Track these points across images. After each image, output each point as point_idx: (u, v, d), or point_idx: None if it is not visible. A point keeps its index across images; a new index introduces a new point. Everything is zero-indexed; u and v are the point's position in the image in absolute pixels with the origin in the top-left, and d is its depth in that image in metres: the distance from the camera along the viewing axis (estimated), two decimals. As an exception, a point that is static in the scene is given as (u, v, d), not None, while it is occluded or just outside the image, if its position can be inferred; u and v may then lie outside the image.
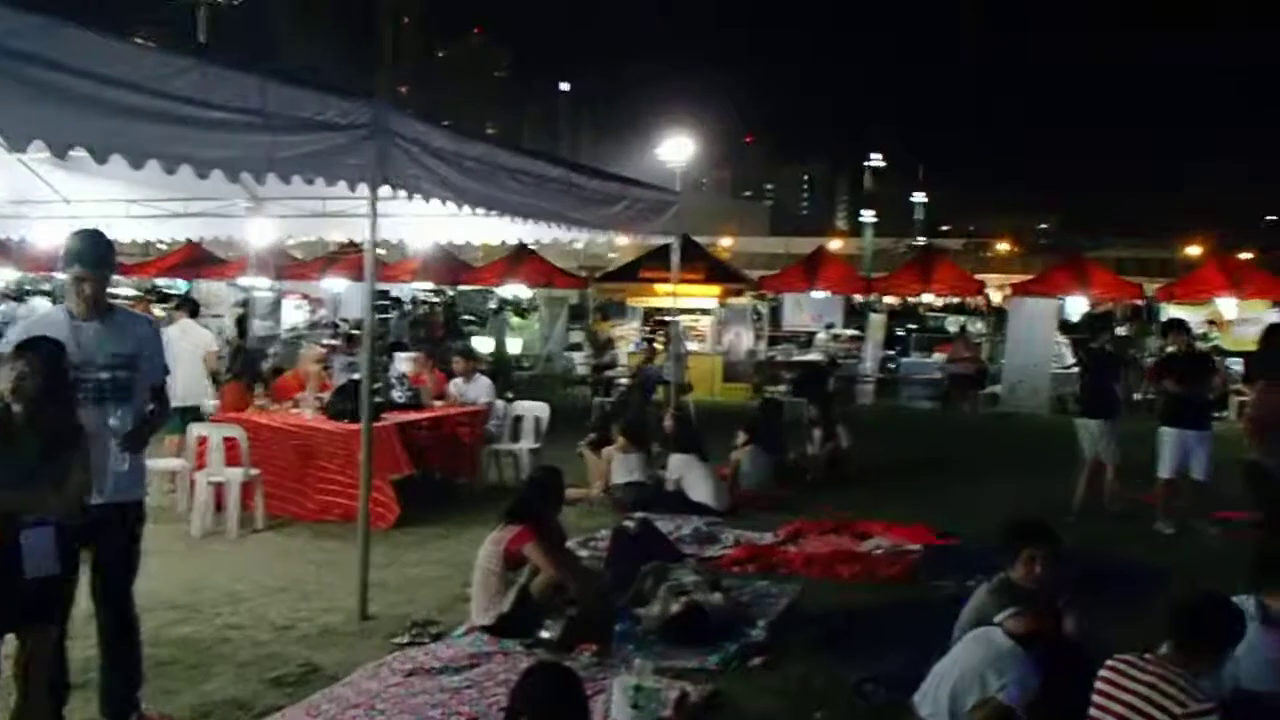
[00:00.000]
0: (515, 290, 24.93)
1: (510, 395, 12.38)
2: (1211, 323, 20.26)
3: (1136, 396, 15.01)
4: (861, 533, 8.46)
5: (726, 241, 54.05)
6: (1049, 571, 4.83)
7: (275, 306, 22.35)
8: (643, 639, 5.89)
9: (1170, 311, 18.15)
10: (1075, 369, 14.63)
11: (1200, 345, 15.04)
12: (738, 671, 5.52)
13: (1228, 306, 19.81)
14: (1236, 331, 18.81)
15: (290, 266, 23.79)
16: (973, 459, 12.85)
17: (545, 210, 7.95)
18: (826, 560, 7.71)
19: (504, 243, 11.89)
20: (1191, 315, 20.47)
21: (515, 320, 25.65)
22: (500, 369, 18.24)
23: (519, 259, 22.96)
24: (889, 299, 27.28)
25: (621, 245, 27.19)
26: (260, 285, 21.81)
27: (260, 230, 10.52)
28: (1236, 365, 13.43)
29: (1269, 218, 57.77)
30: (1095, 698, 3.79)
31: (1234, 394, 14.80)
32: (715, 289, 20.65)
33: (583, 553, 7.38)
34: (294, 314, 23.17)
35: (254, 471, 8.39)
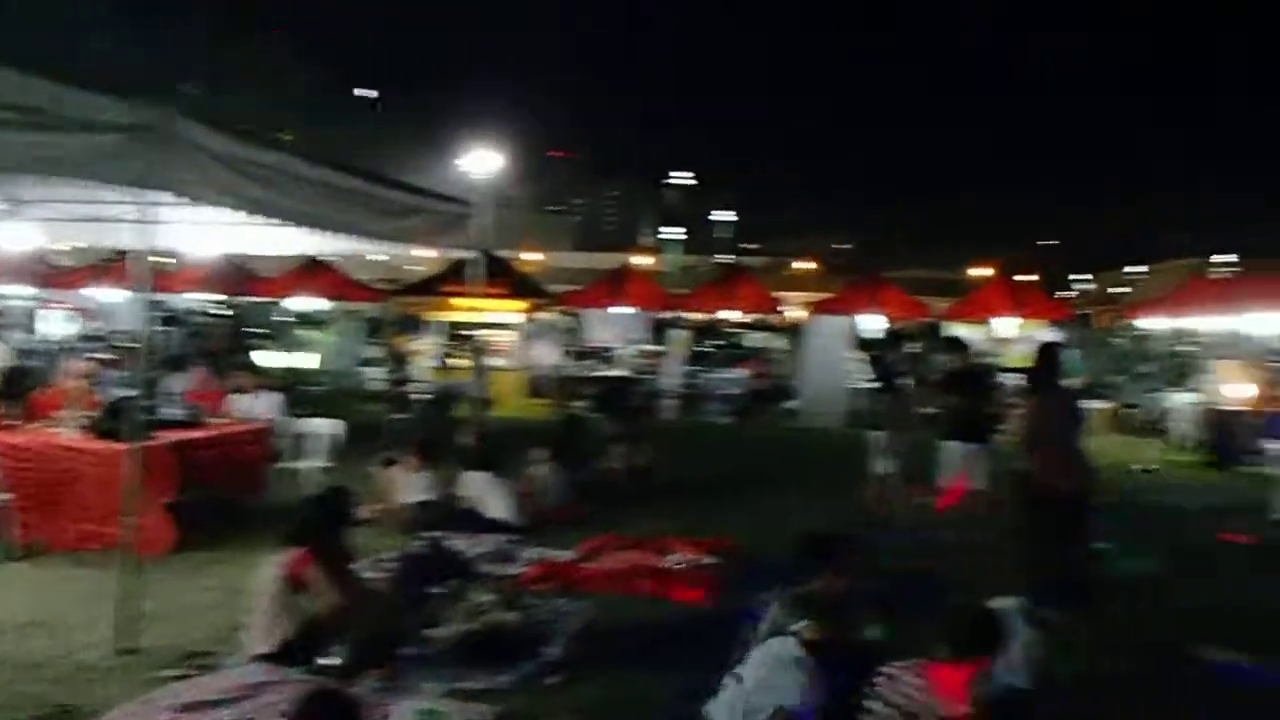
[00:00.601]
0: (309, 303, 24.19)
1: (301, 412, 11.98)
2: (994, 340, 21.57)
3: (923, 411, 15.78)
4: (661, 548, 8.57)
5: (535, 256, 54.07)
6: (845, 582, 5.00)
7: (30, 317, 20.91)
8: (434, 661, 5.79)
9: (956, 330, 19.20)
10: (872, 384, 15.26)
11: (983, 361, 15.98)
12: (532, 691, 5.49)
13: (1009, 325, 21.17)
14: (1016, 349, 20.09)
15: (54, 274, 22.35)
16: (772, 473, 13.23)
17: (339, 221, 7.71)
18: (626, 576, 7.78)
19: (305, 254, 11.52)
20: (976, 333, 21.78)
21: (309, 334, 24.87)
22: (291, 384, 17.63)
23: (313, 271, 22.28)
24: (694, 315, 27.86)
25: (426, 259, 26.77)
26: (17, 294, 20.39)
27: (17, 235, 9.81)
28: (1017, 381, 14.30)
29: (1045, 242, 62.20)
30: (868, 703, 3.94)
31: (1012, 408, 15.76)
32: (521, 304, 20.64)
33: (372, 574, 7.19)
34: (61, 326, 21.74)
35: (4, 496, 7.80)
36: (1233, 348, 17.18)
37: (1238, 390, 15.45)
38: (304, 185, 7.01)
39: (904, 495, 9.96)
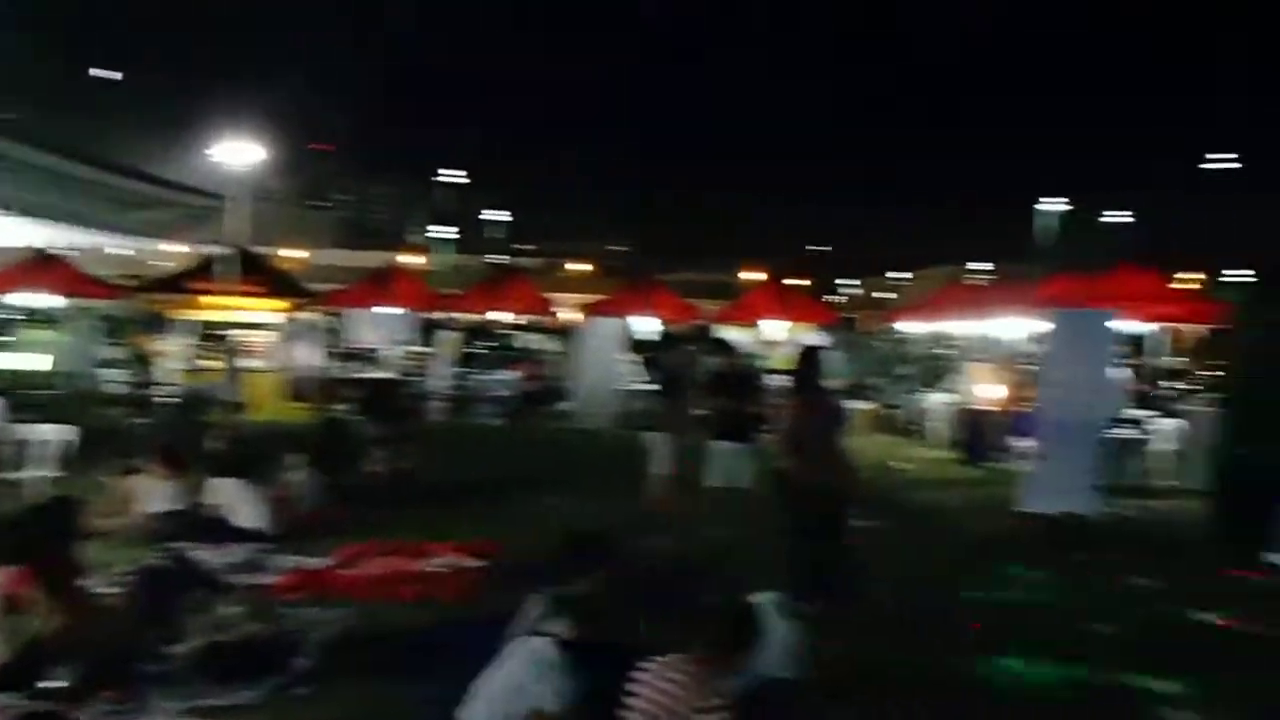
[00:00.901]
0: (36, 300, 22.52)
1: (25, 418, 11.17)
2: (763, 342, 22.40)
3: (697, 412, 16.20)
4: (423, 552, 8.47)
5: (297, 253, 52.30)
6: (607, 581, 5.06)
7: None
8: (174, 679, 5.53)
9: (725, 332, 19.84)
10: (645, 387, 15.56)
11: (752, 364, 16.55)
12: (280, 704, 5.33)
13: (777, 328, 22.04)
14: (784, 351, 20.92)
15: None
16: (543, 475, 13.27)
17: (65, 211, 7.23)
18: (386, 582, 7.66)
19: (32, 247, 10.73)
20: (745, 336, 22.52)
21: (38, 334, 23.16)
22: (13, 388, 16.38)
23: (41, 265, 20.82)
24: (464, 316, 27.64)
25: (176, 254, 25.42)
26: None
27: None
28: (783, 382, 14.90)
29: (816, 247, 65.17)
30: (627, 699, 4.02)
31: (778, 410, 16.41)
32: (279, 303, 19.95)
33: (107, 590, 6.78)
34: None
35: None
36: (984, 351, 18.44)
37: (988, 391, 16.58)
38: (25, 171, 6.55)
39: (676, 495, 10.16)
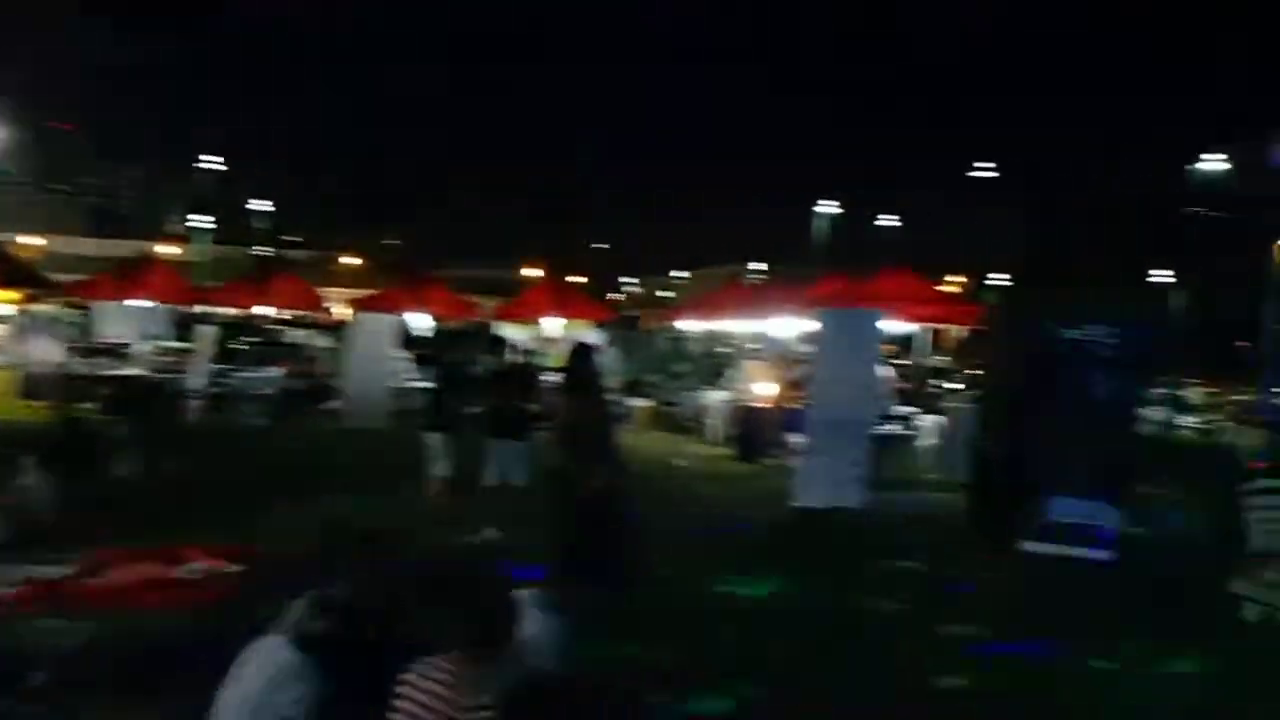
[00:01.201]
0: None
1: None
2: (542, 340, 22.50)
3: (473, 410, 16.13)
4: (175, 558, 8.11)
5: (36, 240, 48.97)
6: (371, 580, 4.97)
7: None
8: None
9: (503, 330, 19.83)
10: (420, 384, 15.35)
11: (530, 361, 16.62)
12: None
13: (556, 325, 22.18)
14: (562, 349, 21.07)
15: None
16: (309, 475, 12.90)
17: None
18: (134, 590, 7.30)
19: None
20: (524, 333, 22.57)
21: None
22: None
23: None
24: (225, 310, 26.59)
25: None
26: None
27: None
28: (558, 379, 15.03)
29: (598, 245, 65.87)
30: (393, 702, 3.98)
31: (554, 407, 16.55)
32: (12, 294, 18.68)
33: None
34: None
35: None
36: (760, 349, 19.09)
37: (763, 389, 17.18)
38: None
39: (451, 494, 10.11)
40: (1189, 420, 31.21)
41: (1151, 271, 46.61)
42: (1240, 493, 7.97)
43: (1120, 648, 7.03)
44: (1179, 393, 32.55)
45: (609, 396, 8.66)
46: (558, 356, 18.28)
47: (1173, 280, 46.05)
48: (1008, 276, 46.45)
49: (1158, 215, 44.16)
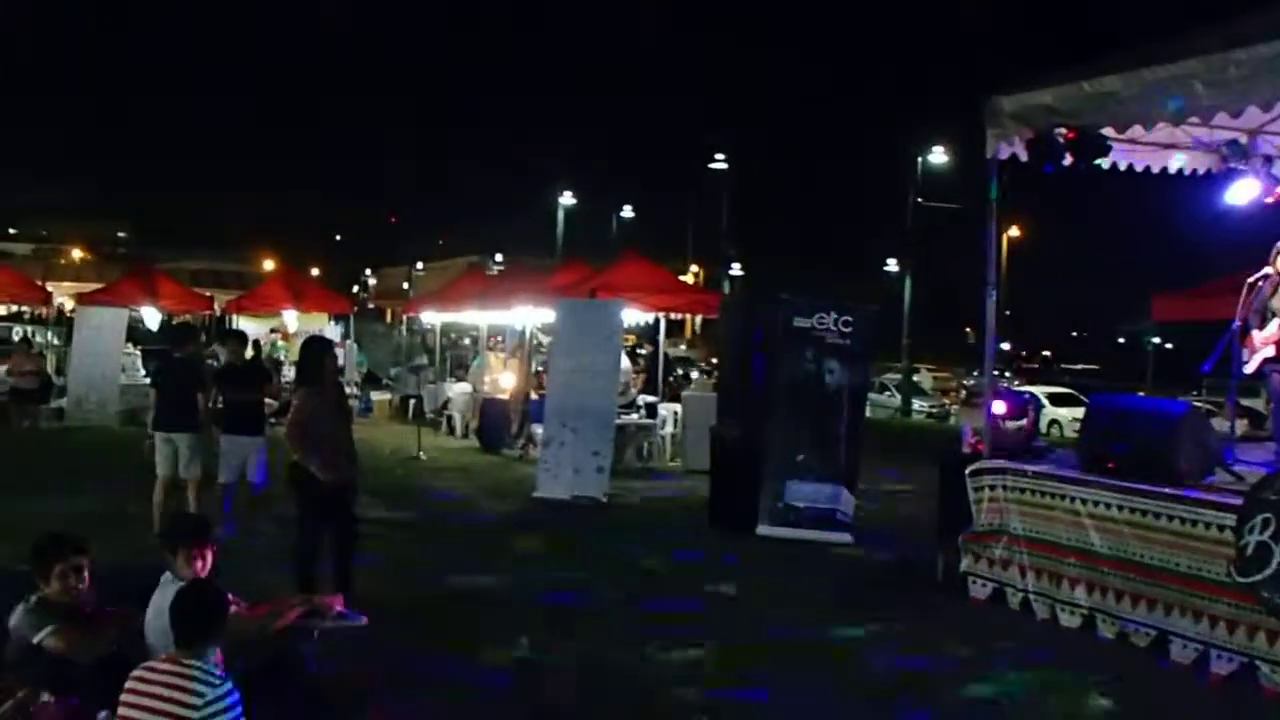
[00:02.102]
0: None
1: None
2: (279, 333, 21.29)
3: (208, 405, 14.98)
4: None
5: None
6: (81, 583, 4.54)
7: None
8: None
9: (240, 323, 18.63)
10: (148, 380, 14.11)
11: (266, 354, 15.56)
12: None
13: (294, 318, 20.99)
14: (299, 342, 19.98)
15: None
16: (31, 477, 11.59)
17: None
18: None
19: None
20: (262, 326, 21.33)
21: None
22: None
23: None
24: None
25: None
26: None
27: None
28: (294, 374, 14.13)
29: (340, 237, 63.55)
30: (120, 708, 3.74)
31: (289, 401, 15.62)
32: None
33: None
34: None
35: None
36: (502, 340, 18.66)
37: (505, 380, 16.74)
38: None
39: (198, 499, 9.23)
40: (919, 404, 32.96)
41: (884, 261, 49.10)
42: (966, 473, 8.08)
43: (853, 626, 6.99)
44: (912, 378, 34.33)
45: (345, 390, 8.20)
46: (295, 349, 17.30)
47: (903, 269, 48.73)
48: (740, 267, 47.90)
49: (889, 206, 46.36)
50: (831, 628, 7.01)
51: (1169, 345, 33.63)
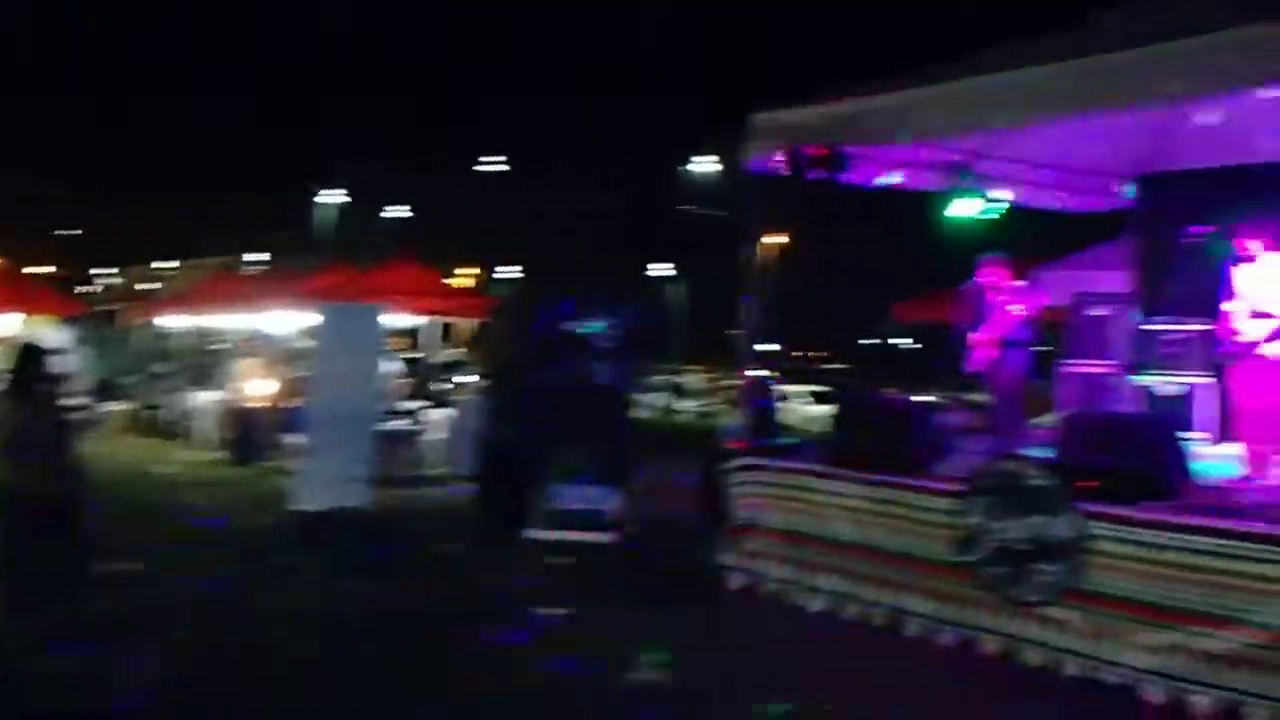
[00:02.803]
0: None
1: None
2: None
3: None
4: None
5: None
6: None
7: None
8: None
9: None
10: None
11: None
12: None
13: (14, 322, 19.96)
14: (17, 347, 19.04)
15: None
16: None
17: None
18: None
19: None
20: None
21: None
22: None
23: None
24: None
25: None
26: None
27: None
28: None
29: (67, 232, 59.86)
30: None
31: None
32: None
33: None
34: None
35: None
36: (255, 345, 18.35)
37: (259, 387, 16.52)
38: None
39: None
40: (689, 405, 34.09)
41: (651, 265, 50.36)
42: (723, 470, 8.75)
43: (614, 622, 7.50)
44: (679, 379, 35.48)
45: (68, 400, 8.07)
46: (12, 356, 16.55)
47: (671, 273, 50.08)
48: (517, 269, 48.04)
49: (656, 211, 47.63)
50: (593, 626, 7.48)
51: (917, 345, 36.30)
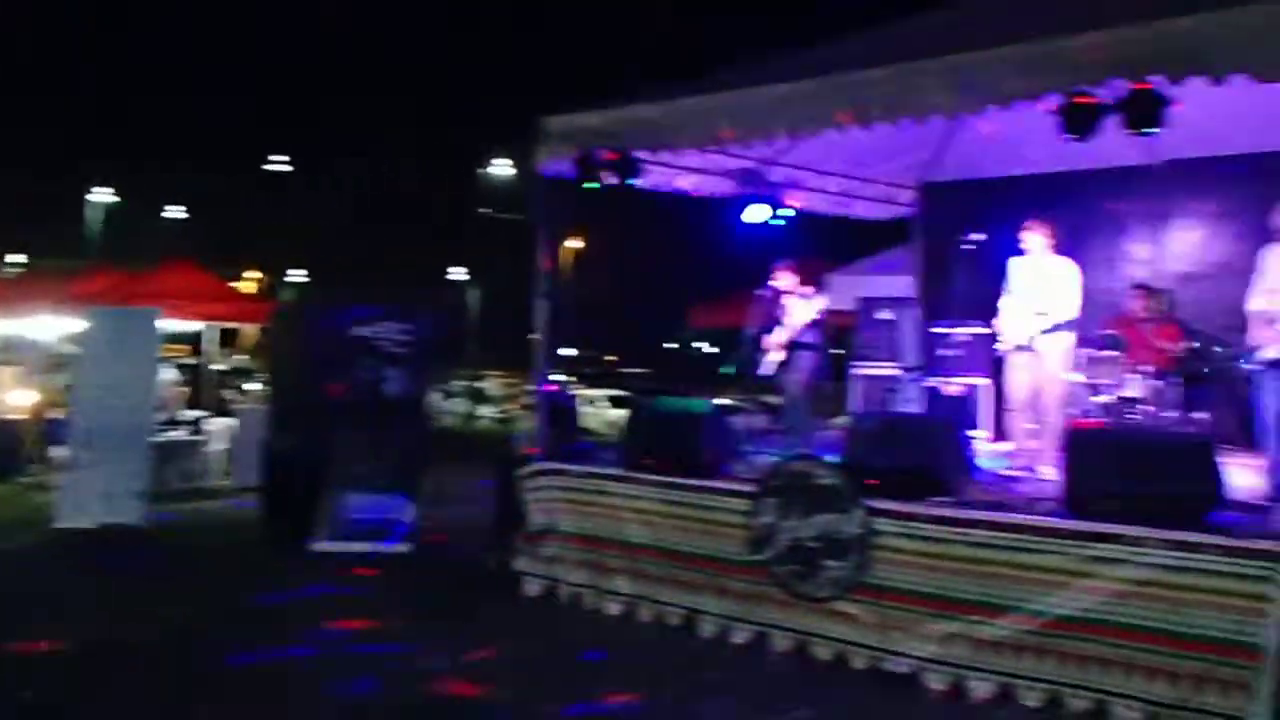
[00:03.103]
0: None
1: None
2: None
3: None
4: None
5: None
6: None
7: None
8: None
9: None
10: None
11: None
12: None
13: None
14: None
15: None
16: None
17: None
18: None
19: None
20: None
21: None
22: None
23: None
24: None
25: None
26: None
27: None
28: None
29: None
30: None
31: None
32: None
33: None
34: None
35: None
36: (14, 352, 17.34)
37: (18, 397, 15.61)
38: None
39: None
40: (488, 411, 33.85)
41: (451, 269, 49.86)
42: (519, 476, 8.73)
43: (407, 633, 7.37)
44: (479, 385, 35.20)
45: None
46: None
47: (468, 278, 49.66)
48: (305, 273, 46.83)
49: (454, 216, 47.22)
50: (384, 638, 7.33)
51: (714, 350, 37.16)
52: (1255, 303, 7.32)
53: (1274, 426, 6.69)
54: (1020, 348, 8.44)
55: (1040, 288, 8.39)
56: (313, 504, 10.34)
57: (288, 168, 39.40)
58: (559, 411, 9.51)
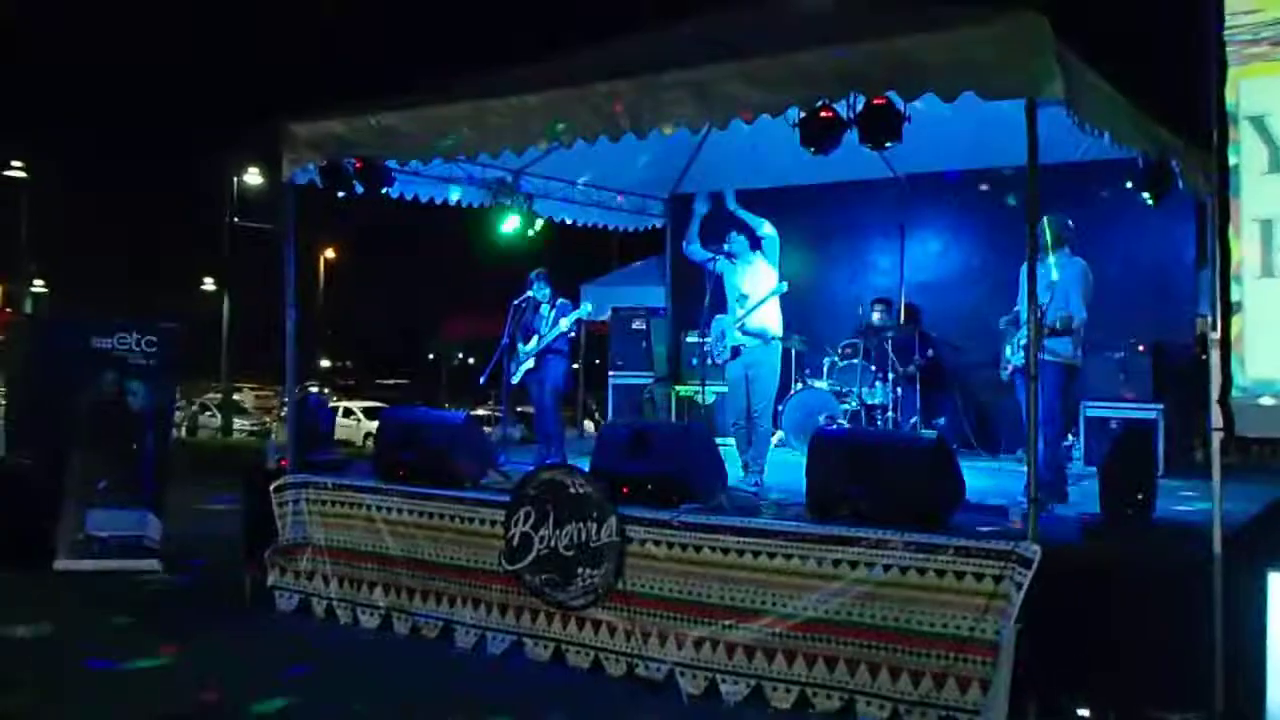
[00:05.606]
0: None
1: None
2: None
3: None
4: None
5: None
6: None
7: None
8: None
9: None
10: None
11: None
12: None
13: None
14: None
15: None
16: None
17: None
18: None
19: None
20: None
21: None
22: None
23: None
24: None
25: None
26: None
27: None
28: None
29: None
30: None
31: None
32: None
33: None
34: None
35: None
36: None
37: None
38: None
39: None
40: (243, 423, 32.28)
41: (204, 279, 47.29)
42: (270, 489, 8.25)
43: (155, 653, 6.86)
44: (233, 397, 33.54)
45: None
46: None
47: (221, 288, 47.13)
48: (43, 283, 43.87)
49: (206, 223, 44.82)
50: (131, 659, 6.78)
51: (470, 360, 36.70)
52: (1008, 317, 7.42)
53: (1032, 429, 6.80)
54: (735, 352, 8.24)
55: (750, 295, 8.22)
56: (53, 522, 9.53)
57: (22, 174, 36.31)
58: (311, 423, 8.99)
